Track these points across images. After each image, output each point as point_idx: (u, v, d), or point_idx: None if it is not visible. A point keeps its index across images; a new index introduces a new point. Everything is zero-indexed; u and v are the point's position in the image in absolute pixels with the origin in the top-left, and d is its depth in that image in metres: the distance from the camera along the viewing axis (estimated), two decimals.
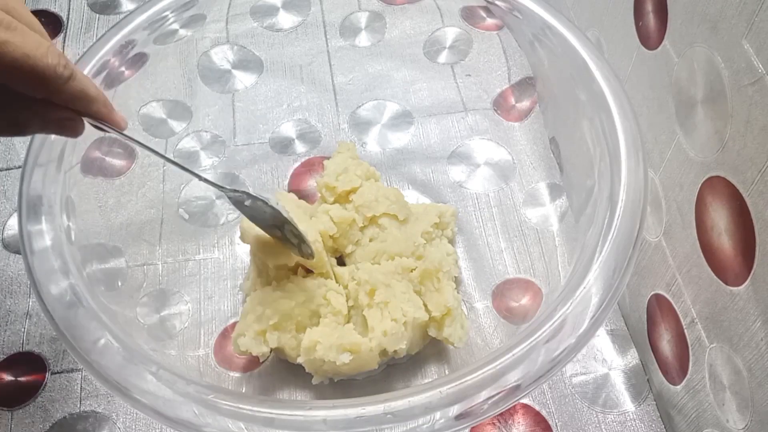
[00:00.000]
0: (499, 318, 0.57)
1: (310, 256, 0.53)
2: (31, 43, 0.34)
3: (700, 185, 0.43)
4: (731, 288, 0.41)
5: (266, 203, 0.49)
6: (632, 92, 0.50)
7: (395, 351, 0.51)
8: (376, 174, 0.62)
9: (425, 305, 0.53)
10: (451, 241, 0.60)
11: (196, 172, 0.46)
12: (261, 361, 0.55)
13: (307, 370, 0.52)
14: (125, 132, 0.41)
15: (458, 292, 0.57)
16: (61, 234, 0.45)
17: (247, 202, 0.49)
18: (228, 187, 0.48)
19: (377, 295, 0.52)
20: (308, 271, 0.56)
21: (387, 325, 0.50)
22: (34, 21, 0.37)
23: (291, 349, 0.52)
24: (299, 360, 0.51)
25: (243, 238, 0.56)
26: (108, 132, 0.41)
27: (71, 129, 0.40)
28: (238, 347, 0.52)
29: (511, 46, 0.70)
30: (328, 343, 0.49)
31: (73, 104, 0.38)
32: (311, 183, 0.67)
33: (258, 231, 0.53)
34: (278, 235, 0.53)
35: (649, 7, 0.48)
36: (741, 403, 0.41)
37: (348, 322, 0.53)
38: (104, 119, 0.40)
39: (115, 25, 0.54)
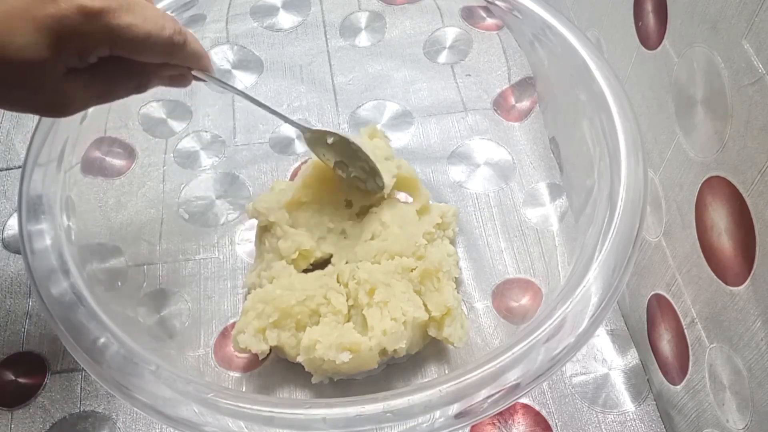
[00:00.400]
0: (499, 318, 0.57)
1: (380, 188, 0.58)
2: (150, 20, 0.38)
3: (700, 185, 0.43)
4: (731, 288, 0.41)
5: (349, 141, 0.55)
6: (632, 92, 0.50)
7: (395, 350, 0.51)
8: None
9: (425, 305, 0.53)
10: (452, 242, 0.60)
11: (279, 112, 0.52)
12: (260, 359, 0.55)
13: (306, 369, 0.52)
14: (216, 76, 0.47)
15: (458, 292, 0.57)
16: (61, 234, 0.46)
17: (330, 140, 0.55)
18: (307, 126, 0.55)
19: (377, 294, 0.52)
20: (314, 267, 0.57)
21: (386, 324, 0.50)
22: None
23: (291, 347, 0.52)
24: (299, 359, 0.51)
25: (257, 215, 0.58)
26: (205, 81, 0.46)
27: (183, 82, 0.45)
28: (238, 344, 0.52)
29: (511, 46, 0.70)
30: (327, 342, 0.49)
31: (186, 63, 0.43)
32: None
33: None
34: (342, 175, 0.58)
35: (649, 7, 0.48)
36: (741, 403, 0.41)
37: (348, 321, 0.53)
38: (208, 70, 0.45)
39: None
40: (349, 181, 0.59)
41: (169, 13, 0.57)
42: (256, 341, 0.51)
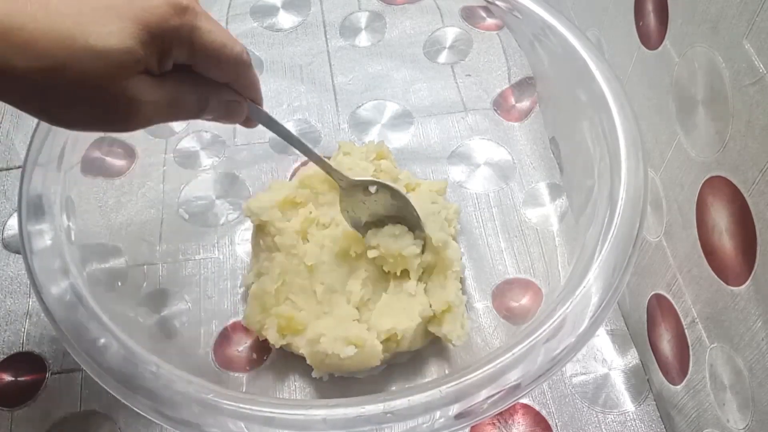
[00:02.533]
0: (499, 318, 0.57)
1: (423, 238, 0.54)
2: (225, 33, 0.38)
3: (700, 185, 0.43)
4: (732, 288, 0.41)
5: (399, 193, 0.52)
6: (632, 92, 0.50)
7: (397, 344, 0.51)
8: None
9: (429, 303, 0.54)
10: (454, 239, 0.60)
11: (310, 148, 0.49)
12: (264, 358, 0.55)
13: (308, 362, 0.52)
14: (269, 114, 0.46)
15: (463, 293, 0.57)
16: (61, 234, 0.45)
17: (372, 189, 0.52)
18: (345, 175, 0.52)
19: (392, 286, 0.53)
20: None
21: (394, 315, 0.52)
22: None
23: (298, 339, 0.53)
24: (302, 351, 0.51)
25: (250, 213, 0.57)
26: (255, 121, 0.45)
27: (239, 113, 0.43)
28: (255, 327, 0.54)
29: (511, 46, 0.70)
30: (333, 335, 0.49)
31: (247, 90, 0.43)
32: None
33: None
34: (378, 234, 0.54)
35: (650, 7, 0.48)
36: (742, 403, 0.41)
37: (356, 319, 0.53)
38: (259, 102, 0.45)
39: None
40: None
41: None
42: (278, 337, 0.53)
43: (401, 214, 0.53)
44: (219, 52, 0.38)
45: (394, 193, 0.53)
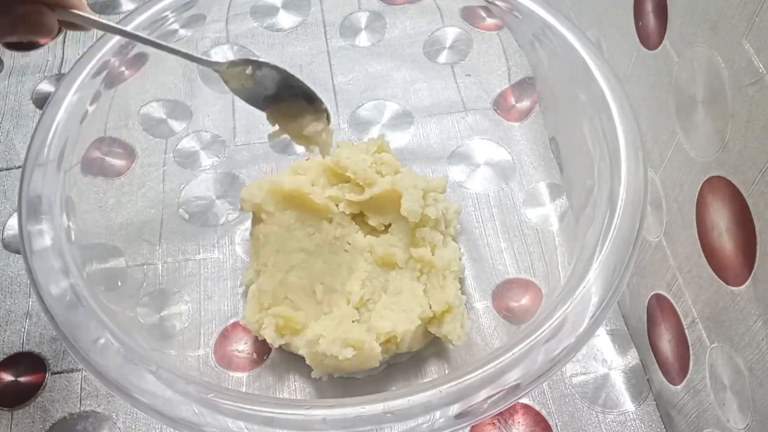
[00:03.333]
0: (499, 318, 0.57)
1: (324, 114, 0.52)
2: None
3: (700, 185, 0.43)
4: (732, 288, 0.41)
5: (275, 67, 0.48)
6: (632, 92, 0.50)
7: (396, 345, 0.51)
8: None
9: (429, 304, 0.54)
10: (455, 239, 0.60)
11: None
12: (264, 358, 0.55)
13: (307, 362, 0.52)
14: (87, 14, 0.40)
15: (462, 293, 0.57)
16: (61, 234, 0.45)
17: (248, 71, 0.48)
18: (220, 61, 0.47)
19: (391, 286, 0.53)
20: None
21: (393, 314, 0.52)
22: None
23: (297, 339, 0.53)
24: (301, 352, 0.51)
25: (243, 203, 0.57)
26: (71, 24, 0.39)
27: (41, 26, 0.39)
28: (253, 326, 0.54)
29: (511, 46, 0.70)
30: (332, 336, 0.49)
31: None
32: None
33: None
34: (277, 113, 0.51)
35: (649, 6, 0.48)
36: (742, 403, 0.41)
37: (356, 320, 0.53)
38: (72, 6, 0.39)
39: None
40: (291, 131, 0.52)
41: (168, 13, 0.57)
42: (276, 337, 0.53)
43: (292, 84, 0.50)
44: None
45: (276, 68, 0.49)
